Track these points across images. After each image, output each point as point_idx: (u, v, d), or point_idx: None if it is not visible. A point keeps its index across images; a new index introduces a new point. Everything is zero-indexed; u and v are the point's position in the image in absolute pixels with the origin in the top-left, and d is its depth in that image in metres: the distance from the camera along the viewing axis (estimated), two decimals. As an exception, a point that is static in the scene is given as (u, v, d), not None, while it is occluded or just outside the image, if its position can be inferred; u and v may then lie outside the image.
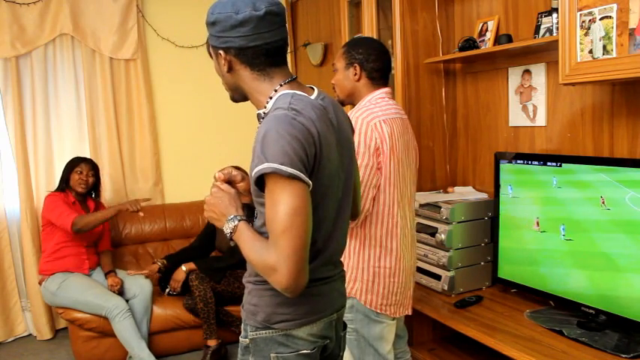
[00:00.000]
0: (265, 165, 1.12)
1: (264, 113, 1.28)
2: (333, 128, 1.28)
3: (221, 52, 1.29)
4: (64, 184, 3.29)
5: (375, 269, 1.88)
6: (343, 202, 1.36)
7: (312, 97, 1.30)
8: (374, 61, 1.94)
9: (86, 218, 3.12)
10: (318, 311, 1.31)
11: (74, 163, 3.31)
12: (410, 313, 2.02)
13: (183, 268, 3.24)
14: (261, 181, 1.16)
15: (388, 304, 1.91)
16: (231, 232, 1.24)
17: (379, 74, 1.95)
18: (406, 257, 1.93)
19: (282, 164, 1.11)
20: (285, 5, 1.14)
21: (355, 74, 1.95)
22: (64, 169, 3.32)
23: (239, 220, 1.24)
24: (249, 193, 1.32)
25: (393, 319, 1.96)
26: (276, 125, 1.15)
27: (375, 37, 2.81)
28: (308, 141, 1.16)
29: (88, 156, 3.71)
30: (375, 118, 1.84)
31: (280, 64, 1.31)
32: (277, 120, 1.16)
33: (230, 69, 1.30)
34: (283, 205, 1.11)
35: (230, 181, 1.38)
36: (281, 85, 1.29)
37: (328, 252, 1.32)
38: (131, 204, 3.21)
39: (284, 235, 1.11)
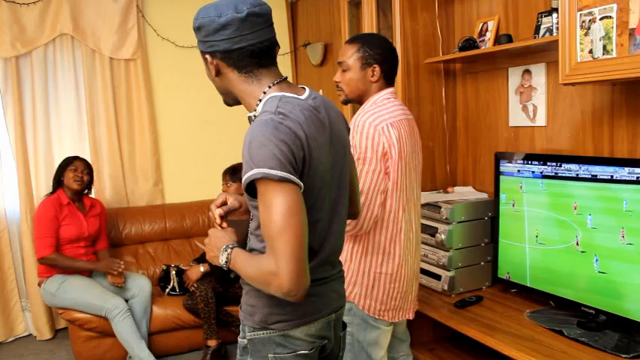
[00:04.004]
0: (255, 171, 1.12)
1: (254, 116, 1.28)
2: (324, 129, 1.28)
3: (208, 56, 1.29)
4: (57, 183, 3.26)
5: (376, 275, 1.85)
6: (338, 203, 1.35)
7: (303, 97, 1.28)
8: (389, 61, 1.88)
9: (59, 262, 3.10)
10: (315, 312, 1.31)
11: (67, 161, 3.28)
12: (411, 317, 1.99)
13: (202, 269, 3.23)
14: (252, 187, 1.16)
15: (386, 310, 1.89)
16: (226, 262, 1.24)
17: (392, 74, 1.91)
18: (409, 262, 1.90)
19: (271, 168, 1.11)
20: (271, 6, 1.12)
21: (373, 75, 1.87)
22: (58, 168, 3.29)
23: (231, 248, 1.24)
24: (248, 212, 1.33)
25: (390, 324, 1.93)
26: (262, 130, 1.14)
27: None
28: (295, 144, 1.15)
29: (89, 156, 3.71)
30: (383, 121, 1.78)
31: (268, 65, 1.29)
32: (263, 125, 1.15)
33: (218, 73, 1.30)
34: (277, 207, 1.11)
35: (229, 211, 1.39)
36: (269, 87, 1.28)
37: (324, 253, 1.32)
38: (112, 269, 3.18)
39: (280, 237, 1.10)
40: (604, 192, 1.94)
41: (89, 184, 3.36)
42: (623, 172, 1.86)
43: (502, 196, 2.38)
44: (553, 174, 2.13)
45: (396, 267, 1.85)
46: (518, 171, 2.29)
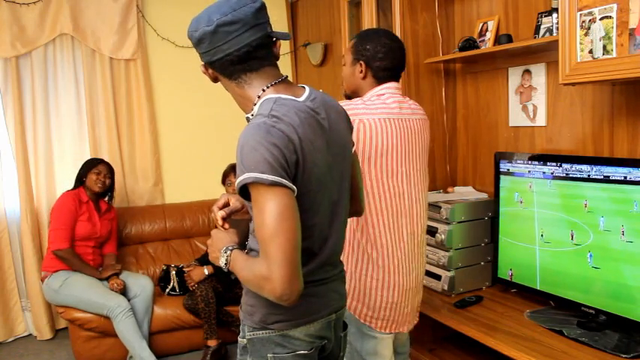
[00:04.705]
0: (246, 175, 1.12)
1: (251, 117, 1.28)
2: (322, 131, 1.27)
3: (202, 65, 1.32)
4: (79, 182, 3.32)
5: (362, 277, 1.78)
6: (338, 204, 1.35)
7: (302, 98, 1.27)
8: (381, 60, 1.79)
9: (71, 259, 3.13)
10: (314, 312, 1.31)
11: (92, 164, 3.35)
12: (405, 331, 1.91)
13: (206, 271, 3.24)
14: (245, 191, 1.16)
15: (375, 318, 1.80)
16: (226, 264, 1.24)
17: (386, 73, 1.81)
18: (402, 272, 1.79)
19: (262, 173, 1.11)
20: (271, 6, 1.11)
21: (361, 72, 1.81)
22: (82, 167, 3.35)
23: (231, 250, 1.24)
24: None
25: (390, 333, 1.86)
26: (254, 134, 1.14)
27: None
28: (288, 148, 1.15)
29: (88, 156, 3.71)
30: (351, 116, 1.64)
31: (258, 68, 1.27)
32: (255, 128, 1.15)
33: (215, 79, 1.33)
34: (268, 212, 1.11)
35: (232, 212, 1.39)
36: (264, 90, 1.27)
37: (324, 254, 1.32)
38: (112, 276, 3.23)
39: (272, 241, 1.09)
40: (616, 193, 1.90)
41: (110, 188, 3.42)
42: (638, 174, 1.83)
43: (515, 195, 2.32)
44: (564, 174, 2.09)
45: (383, 274, 1.77)
46: (529, 172, 2.25)
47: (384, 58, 1.80)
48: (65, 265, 3.16)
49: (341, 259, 1.81)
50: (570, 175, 2.08)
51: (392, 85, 1.83)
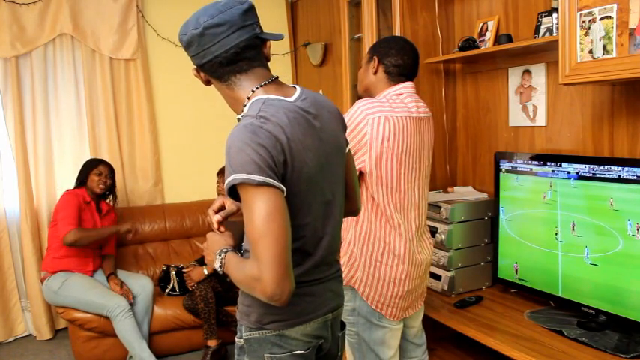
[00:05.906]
0: (233, 176, 1.13)
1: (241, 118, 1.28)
2: (313, 130, 1.27)
3: (193, 69, 1.33)
4: (81, 183, 3.32)
5: (377, 264, 1.84)
6: (332, 204, 1.34)
7: (292, 98, 1.27)
8: (393, 56, 1.90)
9: (80, 233, 3.11)
10: (310, 311, 1.31)
11: (93, 164, 3.34)
12: (409, 315, 1.97)
13: (206, 271, 3.24)
14: (235, 192, 1.16)
15: (386, 305, 1.87)
16: (220, 266, 1.24)
17: (397, 70, 1.90)
18: (414, 262, 1.87)
19: (249, 173, 1.11)
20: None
21: (373, 67, 1.92)
22: (83, 168, 3.35)
23: (225, 252, 1.24)
24: None
25: (398, 323, 1.91)
26: (240, 135, 1.15)
27: (375, 37, 2.81)
28: (276, 148, 1.15)
29: (88, 156, 3.72)
30: (376, 113, 1.77)
31: (247, 69, 1.28)
32: (242, 130, 1.16)
33: (208, 82, 1.34)
34: (257, 212, 1.11)
35: (227, 215, 1.40)
36: (253, 91, 1.27)
37: (319, 254, 1.31)
38: (125, 227, 3.32)
39: (261, 241, 1.10)
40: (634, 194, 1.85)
41: (111, 188, 3.42)
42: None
43: (546, 194, 2.19)
44: (590, 174, 2.02)
45: (398, 263, 1.83)
46: (553, 172, 2.17)
47: (396, 55, 1.91)
48: (67, 265, 3.16)
49: (347, 241, 1.81)
50: (597, 176, 1.98)
51: (408, 84, 1.93)
